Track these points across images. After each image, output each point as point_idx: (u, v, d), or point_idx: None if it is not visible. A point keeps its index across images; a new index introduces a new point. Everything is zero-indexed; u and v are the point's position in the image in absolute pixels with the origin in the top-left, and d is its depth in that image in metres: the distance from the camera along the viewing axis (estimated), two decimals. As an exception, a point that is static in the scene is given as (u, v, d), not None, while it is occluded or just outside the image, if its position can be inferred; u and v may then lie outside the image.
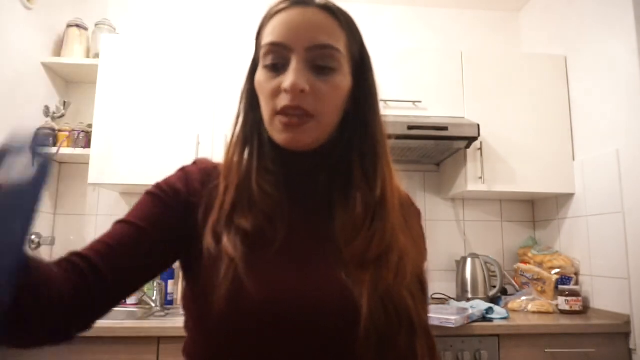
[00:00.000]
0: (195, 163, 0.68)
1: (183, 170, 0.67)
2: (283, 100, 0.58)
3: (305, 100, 0.58)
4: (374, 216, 0.62)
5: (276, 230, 0.60)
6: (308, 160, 0.65)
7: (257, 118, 0.65)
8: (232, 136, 0.66)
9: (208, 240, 0.58)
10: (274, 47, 0.60)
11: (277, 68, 0.60)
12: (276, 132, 0.61)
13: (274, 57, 0.61)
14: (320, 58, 0.60)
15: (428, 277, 0.69)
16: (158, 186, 0.64)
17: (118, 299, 0.58)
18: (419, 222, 0.75)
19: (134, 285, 0.59)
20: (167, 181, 0.65)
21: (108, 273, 0.55)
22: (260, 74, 0.62)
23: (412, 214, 0.73)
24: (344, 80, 0.62)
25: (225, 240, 0.58)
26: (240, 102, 0.68)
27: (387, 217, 0.62)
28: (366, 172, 0.64)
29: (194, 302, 0.60)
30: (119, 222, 0.60)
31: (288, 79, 0.58)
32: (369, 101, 0.66)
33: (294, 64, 0.58)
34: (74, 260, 0.55)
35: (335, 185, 0.65)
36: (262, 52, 0.62)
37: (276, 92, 0.60)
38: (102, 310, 0.57)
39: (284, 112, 0.59)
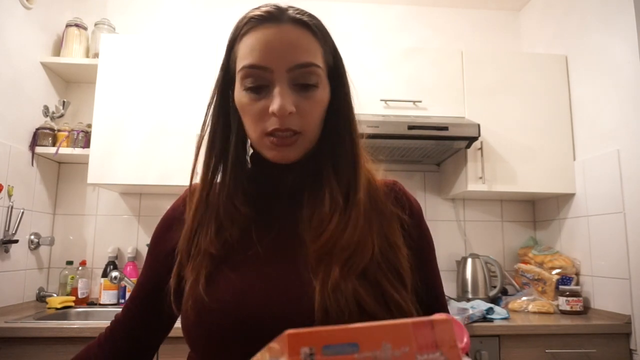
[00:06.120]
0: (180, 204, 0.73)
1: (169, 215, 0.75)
2: (272, 123, 0.60)
3: (293, 121, 0.60)
4: (340, 212, 0.62)
5: (244, 239, 0.63)
6: (289, 169, 0.66)
7: (228, 134, 0.66)
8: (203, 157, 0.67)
9: (179, 259, 0.65)
10: (254, 69, 0.60)
11: (259, 90, 0.61)
12: (266, 149, 0.63)
13: (254, 79, 0.61)
14: (302, 76, 0.61)
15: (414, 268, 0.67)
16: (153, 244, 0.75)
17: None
18: (418, 215, 0.72)
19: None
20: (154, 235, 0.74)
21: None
22: (242, 96, 0.62)
23: (388, 201, 0.70)
24: (324, 93, 0.64)
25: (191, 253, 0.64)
26: (213, 117, 0.67)
27: (350, 213, 0.62)
28: (336, 170, 0.65)
29: (181, 316, 0.64)
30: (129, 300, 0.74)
31: (275, 103, 0.58)
32: (341, 103, 0.67)
33: (278, 88, 0.59)
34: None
35: (302, 185, 0.66)
36: (241, 73, 0.62)
37: (262, 115, 0.60)
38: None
39: (273, 133, 0.60)
